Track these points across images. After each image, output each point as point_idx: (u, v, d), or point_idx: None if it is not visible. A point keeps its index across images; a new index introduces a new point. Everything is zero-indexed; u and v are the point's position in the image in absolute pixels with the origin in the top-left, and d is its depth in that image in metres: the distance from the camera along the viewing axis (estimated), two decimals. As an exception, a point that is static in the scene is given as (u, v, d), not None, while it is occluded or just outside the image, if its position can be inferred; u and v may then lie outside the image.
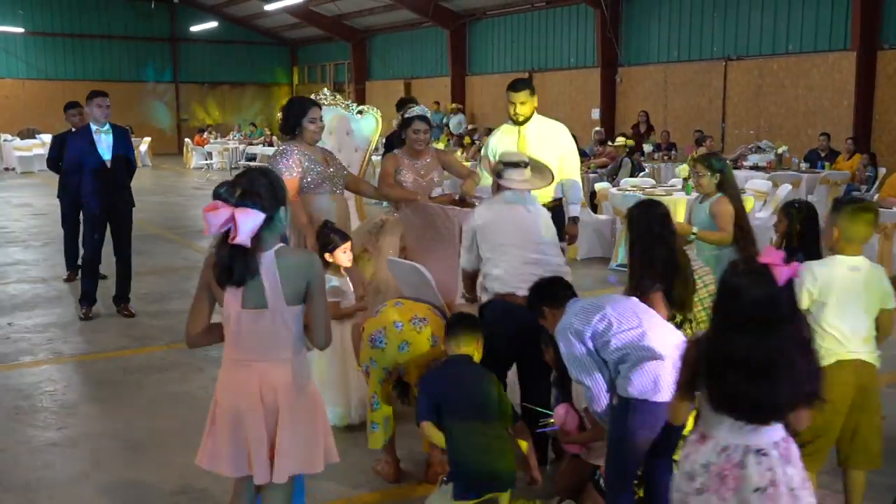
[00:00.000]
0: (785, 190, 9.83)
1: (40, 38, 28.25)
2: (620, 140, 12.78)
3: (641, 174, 12.41)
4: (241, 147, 22.65)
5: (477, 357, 3.76)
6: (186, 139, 25.97)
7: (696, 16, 17.37)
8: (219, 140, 24.61)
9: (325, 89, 7.37)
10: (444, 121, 22.16)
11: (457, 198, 5.66)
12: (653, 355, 3.15)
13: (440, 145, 16.33)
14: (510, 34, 22.41)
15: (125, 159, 7.28)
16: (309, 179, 5.19)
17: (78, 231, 8.47)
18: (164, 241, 11.61)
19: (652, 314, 3.34)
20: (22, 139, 23.54)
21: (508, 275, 4.23)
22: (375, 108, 7.34)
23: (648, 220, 3.72)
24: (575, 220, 5.95)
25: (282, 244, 2.87)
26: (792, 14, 15.45)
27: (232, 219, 2.69)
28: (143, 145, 24.50)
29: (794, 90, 15.35)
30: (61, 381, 5.67)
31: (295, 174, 5.13)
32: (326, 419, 3.04)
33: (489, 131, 19.72)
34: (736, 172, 12.65)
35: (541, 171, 4.56)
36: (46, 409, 5.18)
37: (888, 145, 13.97)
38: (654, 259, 3.62)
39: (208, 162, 23.30)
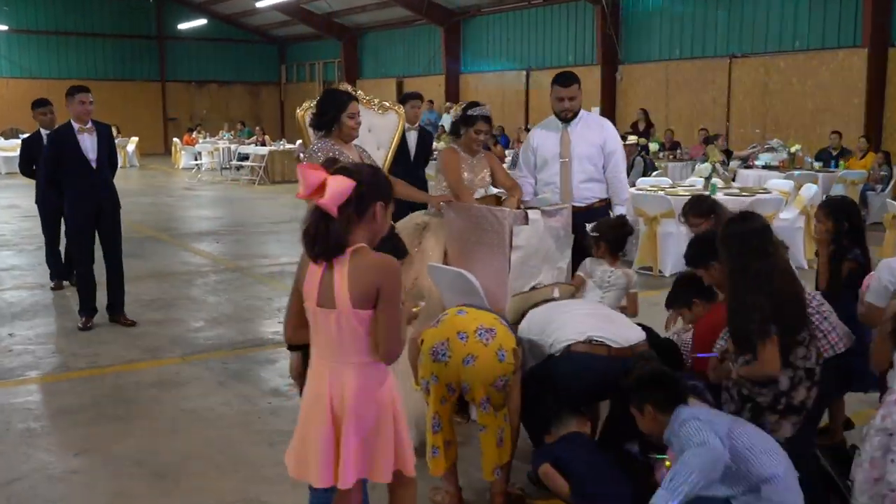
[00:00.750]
0: (810, 190, 9.53)
1: (24, 36, 27.64)
2: (632, 138, 12.46)
3: (655, 173, 12.10)
4: (233, 147, 22.16)
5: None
6: (175, 139, 25.44)
7: (700, 13, 17.11)
8: (208, 139, 24.10)
9: (346, 84, 7.00)
10: (440, 120, 21.78)
11: (504, 199, 5.30)
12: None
13: (440, 144, 15.96)
14: (506, 32, 22.08)
15: (109, 158, 6.84)
16: None
17: (59, 237, 8.03)
18: (159, 244, 11.17)
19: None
20: (6, 139, 22.95)
21: (565, 334, 3.91)
22: (399, 104, 6.99)
23: (745, 239, 3.34)
24: None
25: (363, 244, 2.68)
26: (799, 11, 15.22)
27: (323, 183, 2.58)
28: (130, 145, 23.96)
29: (802, 88, 15.11)
30: (73, 399, 5.24)
31: None
32: (404, 429, 2.82)
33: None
34: (748, 172, 12.39)
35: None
36: (61, 430, 4.76)
37: (900, 144, 13.75)
38: (761, 292, 3.23)
39: (198, 162, 22.79)
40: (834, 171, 12.55)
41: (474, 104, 5.33)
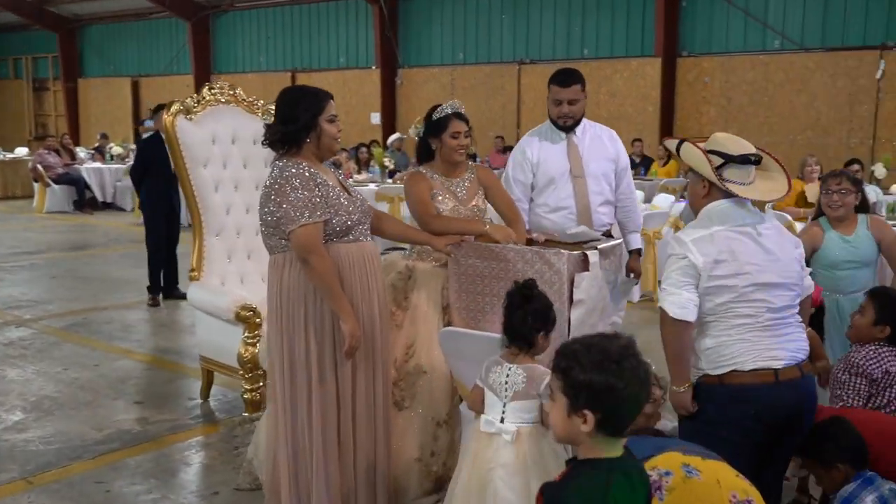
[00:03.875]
0: (678, 206, 9.16)
1: None
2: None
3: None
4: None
5: None
6: None
7: (483, 17, 16.68)
8: None
9: (222, 82, 5.35)
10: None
11: (534, 237, 4.02)
12: None
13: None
14: (267, 29, 20.31)
15: None
16: (338, 220, 3.30)
17: None
18: None
19: None
20: None
21: (751, 344, 2.85)
22: None
23: None
24: (639, 252, 4.59)
25: None
26: (586, 20, 15.29)
27: None
28: None
29: (595, 96, 15.09)
30: None
31: (319, 216, 3.22)
32: None
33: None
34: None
35: (770, 171, 3.12)
36: None
37: (691, 151, 14.13)
38: None
39: None
40: (645, 178, 12.53)
41: (435, 107, 3.98)
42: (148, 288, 7.76)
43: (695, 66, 13.96)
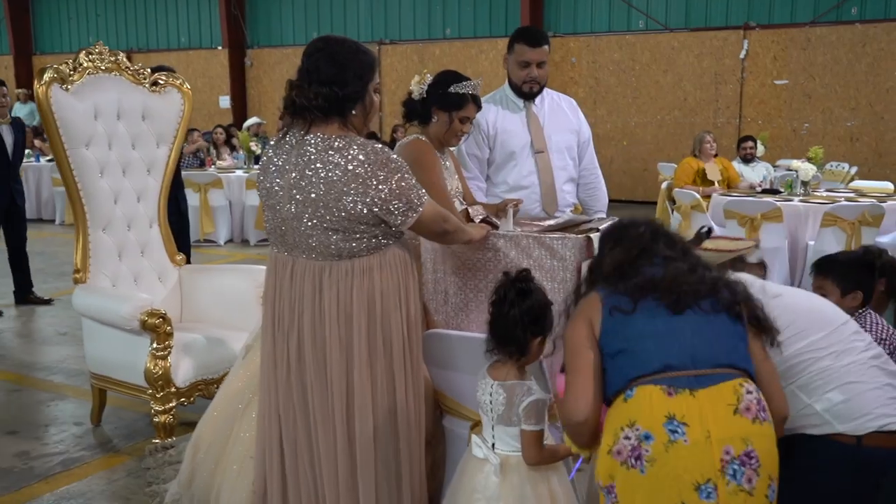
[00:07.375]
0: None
1: None
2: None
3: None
4: None
5: None
6: None
7: (342, -6, 15.96)
8: None
9: (100, 45, 4.51)
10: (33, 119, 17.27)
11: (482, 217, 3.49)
12: None
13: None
14: (97, 5, 18.62)
15: None
16: None
17: None
18: None
19: None
20: None
21: (864, 398, 2.36)
22: (179, 77, 4.71)
23: None
24: None
25: None
26: (448, 1, 14.90)
27: None
28: None
29: (461, 76, 14.78)
30: None
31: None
32: None
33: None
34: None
35: None
36: None
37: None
38: None
39: None
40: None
41: (455, 75, 3.39)
42: None
43: (561, 46, 13.85)
